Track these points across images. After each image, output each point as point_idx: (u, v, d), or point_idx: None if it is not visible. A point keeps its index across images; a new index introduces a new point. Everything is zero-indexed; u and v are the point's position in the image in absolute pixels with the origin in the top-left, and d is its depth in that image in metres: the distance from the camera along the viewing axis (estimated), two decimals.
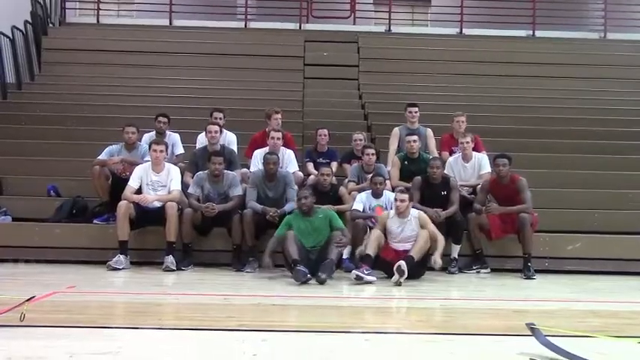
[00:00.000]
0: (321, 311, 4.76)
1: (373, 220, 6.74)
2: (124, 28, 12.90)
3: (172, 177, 6.80)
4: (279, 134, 7.38)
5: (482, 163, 7.48)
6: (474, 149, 7.61)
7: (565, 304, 5.23)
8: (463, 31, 13.30)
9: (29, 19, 11.58)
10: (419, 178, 7.09)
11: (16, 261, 6.70)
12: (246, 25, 13.26)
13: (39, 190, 7.83)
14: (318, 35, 12.61)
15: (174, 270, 6.40)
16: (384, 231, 6.39)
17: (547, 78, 11.62)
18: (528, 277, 6.58)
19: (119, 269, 6.36)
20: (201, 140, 7.71)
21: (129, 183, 6.77)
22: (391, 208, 6.62)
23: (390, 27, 13.41)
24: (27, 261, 6.70)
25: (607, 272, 6.98)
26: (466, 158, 7.44)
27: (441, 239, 6.32)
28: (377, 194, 6.92)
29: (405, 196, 6.34)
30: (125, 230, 6.55)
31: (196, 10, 13.38)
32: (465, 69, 11.77)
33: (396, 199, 6.41)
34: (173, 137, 7.83)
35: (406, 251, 6.22)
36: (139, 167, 6.89)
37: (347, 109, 10.53)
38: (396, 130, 8.13)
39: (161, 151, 6.81)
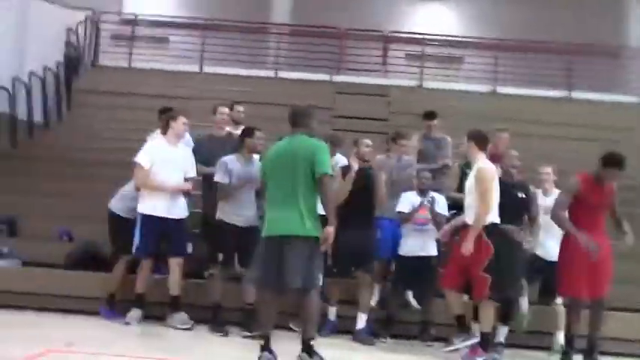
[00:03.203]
0: None
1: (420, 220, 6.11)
2: (155, 72, 12.92)
3: (188, 159, 6.10)
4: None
5: None
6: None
7: None
8: (497, 89, 13.05)
9: (62, 60, 11.66)
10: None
11: (23, 308, 6.40)
12: (276, 74, 13.20)
13: (53, 233, 7.60)
14: (348, 87, 12.46)
15: (188, 329, 5.88)
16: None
17: (582, 140, 11.20)
18: None
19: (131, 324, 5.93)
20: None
21: (139, 161, 5.86)
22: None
23: (421, 82, 13.23)
24: (35, 308, 6.37)
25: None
26: (546, 192, 6.33)
27: None
28: (421, 190, 6.25)
29: None
30: (144, 283, 6.10)
31: (227, 57, 13.39)
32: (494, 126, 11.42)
33: None
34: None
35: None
36: (149, 144, 6.14)
37: None
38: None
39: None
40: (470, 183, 5.54)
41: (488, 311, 5.38)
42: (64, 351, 4.71)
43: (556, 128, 11.37)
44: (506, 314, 5.83)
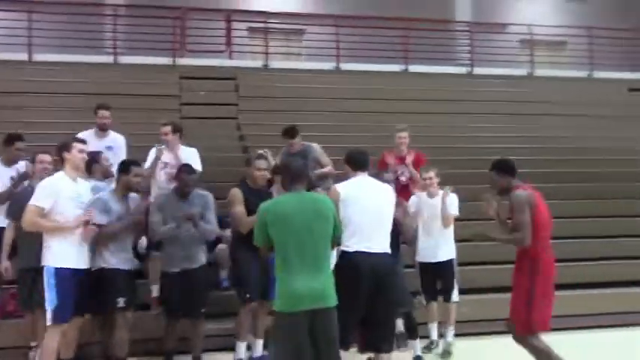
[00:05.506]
0: None
1: None
2: None
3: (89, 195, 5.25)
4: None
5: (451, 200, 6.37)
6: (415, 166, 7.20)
7: None
8: (340, 66, 13.45)
9: None
10: None
11: None
12: (115, 60, 12.53)
13: None
14: (193, 71, 12.18)
15: None
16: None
17: (420, 114, 11.92)
18: None
19: None
20: None
21: (36, 202, 4.90)
22: None
23: (267, 62, 13.26)
24: None
25: None
26: (431, 195, 6.49)
27: None
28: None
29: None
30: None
31: (58, 43, 12.38)
32: (342, 106, 11.83)
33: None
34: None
35: None
36: (47, 180, 5.03)
37: (228, 152, 10.15)
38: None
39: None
40: None
41: None
42: None
43: (395, 103, 11.97)
44: (409, 330, 5.88)
